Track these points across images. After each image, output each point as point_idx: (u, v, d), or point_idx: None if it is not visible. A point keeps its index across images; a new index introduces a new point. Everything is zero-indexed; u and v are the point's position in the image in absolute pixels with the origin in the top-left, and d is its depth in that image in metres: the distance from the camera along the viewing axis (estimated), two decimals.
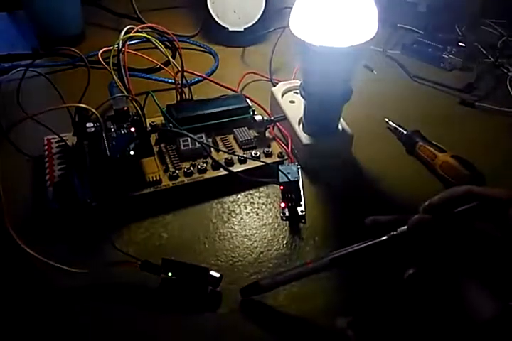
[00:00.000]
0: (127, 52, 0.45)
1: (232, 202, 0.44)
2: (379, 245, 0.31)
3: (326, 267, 0.33)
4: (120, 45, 0.43)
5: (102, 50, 0.47)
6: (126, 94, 0.44)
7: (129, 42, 0.46)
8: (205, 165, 0.45)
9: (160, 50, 0.48)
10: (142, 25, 0.46)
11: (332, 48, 0.38)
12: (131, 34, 0.45)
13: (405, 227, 0.30)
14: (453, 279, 0.28)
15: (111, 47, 0.44)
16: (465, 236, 0.28)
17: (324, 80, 0.42)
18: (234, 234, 0.41)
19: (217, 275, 0.36)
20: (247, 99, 0.51)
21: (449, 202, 0.30)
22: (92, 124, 0.44)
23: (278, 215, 0.43)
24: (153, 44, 0.48)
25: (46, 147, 0.46)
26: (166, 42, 0.66)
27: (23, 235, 0.35)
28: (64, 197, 0.41)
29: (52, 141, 0.47)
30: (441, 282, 0.29)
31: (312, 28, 0.38)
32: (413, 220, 0.30)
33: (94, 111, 0.38)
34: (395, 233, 0.31)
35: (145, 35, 0.47)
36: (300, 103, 0.48)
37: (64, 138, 0.45)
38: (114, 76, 0.44)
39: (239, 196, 0.45)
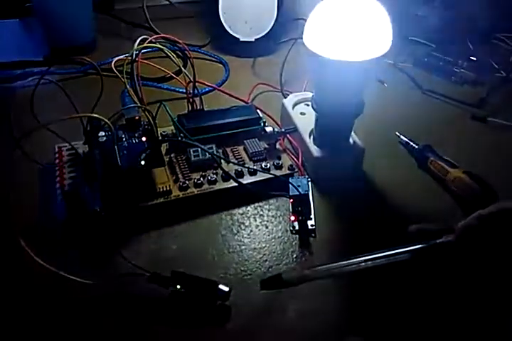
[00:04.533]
0: (140, 61, 0.45)
1: (241, 214, 0.44)
2: (421, 251, 0.31)
3: (359, 266, 0.32)
4: (134, 55, 0.43)
5: (115, 59, 0.47)
6: (138, 103, 0.44)
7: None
8: (215, 176, 0.44)
9: (172, 61, 0.48)
10: (156, 36, 0.47)
11: (346, 62, 0.38)
12: (145, 44, 0.45)
13: (451, 235, 0.30)
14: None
15: (124, 57, 0.44)
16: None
17: (337, 93, 0.42)
18: (243, 246, 0.41)
19: (226, 289, 0.35)
20: (258, 110, 0.51)
21: (497, 214, 0.30)
22: (103, 133, 0.44)
23: (288, 229, 0.42)
24: (166, 54, 0.48)
25: (57, 155, 0.46)
26: (178, 52, 0.66)
27: (32, 244, 0.35)
28: (74, 206, 0.40)
29: (63, 149, 0.47)
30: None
31: (326, 42, 0.38)
32: (462, 225, 0.30)
33: (107, 121, 0.38)
34: (440, 240, 0.31)
35: (158, 45, 0.47)
36: (311, 115, 0.48)
37: (75, 146, 0.45)
38: (127, 86, 0.44)
39: (248, 208, 0.44)
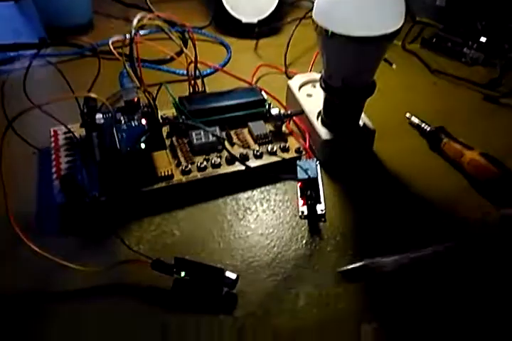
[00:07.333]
0: (139, 42, 0.43)
1: (247, 198, 0.42)
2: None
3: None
4: (133, 33, 0.41)
5: (113, 39, 0.45)
6: (138, 84, 0.42)
7: (140, 32, 0.44)
8: (219, 159, 0.43)
9: (172, 40, 0.46)
10: (154, 14, 0.44)
11: (358, 37, 0.36)
12: (145, 22, 0.42)
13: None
14: None
15: (121, 37, 0.42)
16: None
17: (348, 72, 0.40)
18: (250, 232, 0.39)
19: (233, 276, 0.33)
20: (263, 92, 0.49)
21: None
22: (101, 115, 0.42)
23: (296, 213, 0.40)
24: (166, 33, 0.46)
25: (53, 139, 0.44)
26: (178, 33, 0.64)
27: (27, 230, 0.33)
28: (71, 191, 0.39)
29: (58, 132, 0.45)
30: None
31: (338, 17, 0.36)
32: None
33: (104, 101, 0.36)
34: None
35: (158, 22, 0.45)
36: (318, 96, 0.46)
37: (71, 129, 0.43)
38: (126, 66, 0.41)
39: (254, 192, 0.42)
